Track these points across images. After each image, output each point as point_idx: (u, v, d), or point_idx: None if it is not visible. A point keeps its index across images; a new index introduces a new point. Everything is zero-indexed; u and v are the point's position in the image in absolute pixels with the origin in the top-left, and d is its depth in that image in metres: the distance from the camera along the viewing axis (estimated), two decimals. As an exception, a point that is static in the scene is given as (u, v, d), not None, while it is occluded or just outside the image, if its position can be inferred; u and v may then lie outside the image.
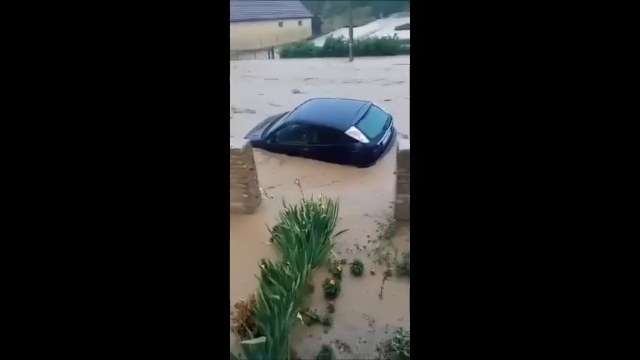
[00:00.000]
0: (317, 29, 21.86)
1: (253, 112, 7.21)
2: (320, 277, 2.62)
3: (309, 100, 5.75)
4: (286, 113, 5.46)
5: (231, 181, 3.36)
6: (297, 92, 8.67)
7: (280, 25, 19.21)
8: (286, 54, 16.40)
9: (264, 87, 9.78)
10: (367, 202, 3.58)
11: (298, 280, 2.29)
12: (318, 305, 2.45)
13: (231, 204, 3.46)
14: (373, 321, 2.30)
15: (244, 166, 3.33)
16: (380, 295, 2.48)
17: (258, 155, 4.64)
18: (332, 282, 2.52)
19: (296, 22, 20.49)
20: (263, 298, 2.18)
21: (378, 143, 4.53)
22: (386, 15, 32.84)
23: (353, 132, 4.43)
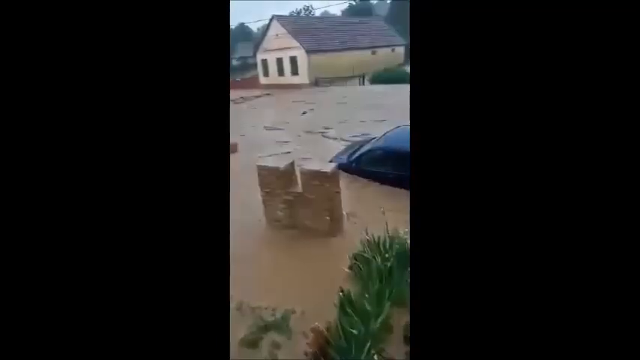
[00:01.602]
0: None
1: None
2: (400, 319, 2.42)
3: (399, 126, 5.63)
4: (373, 139, 5.44)
5: (317, 202, 3.45)
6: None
7: (373, 53, 19.81)
8: (376, 80, 16.68)
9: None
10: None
11: (379, 318, 2.15)
12: (395, 349, 2.24)
13: (315, 225, 3.54)
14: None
15: (330, 189, 3.40)
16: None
17: (342, 179, 4.70)
18: (413, 326, 2.30)
19: (389, 49, 20.85)
20: (339, 329, 2.11)
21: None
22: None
23: (445, 163, 4.13)
